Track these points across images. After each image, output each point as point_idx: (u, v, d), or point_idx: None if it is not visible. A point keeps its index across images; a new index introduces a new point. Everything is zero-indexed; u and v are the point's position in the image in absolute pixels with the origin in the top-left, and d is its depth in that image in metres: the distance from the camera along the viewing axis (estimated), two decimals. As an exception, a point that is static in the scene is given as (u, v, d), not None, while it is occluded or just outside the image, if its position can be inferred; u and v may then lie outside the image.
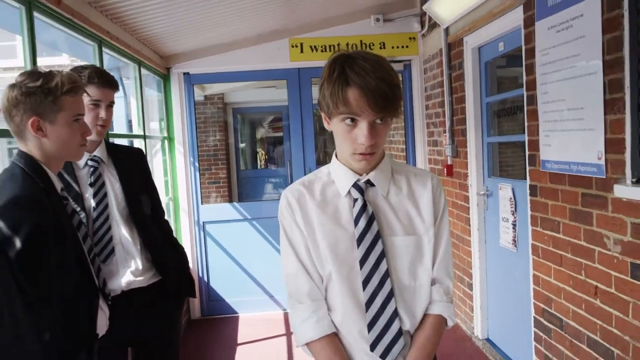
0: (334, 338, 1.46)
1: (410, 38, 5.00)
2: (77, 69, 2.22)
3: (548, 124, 2.83)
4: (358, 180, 1.46)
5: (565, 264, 2.78)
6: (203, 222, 5.10)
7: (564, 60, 2.63)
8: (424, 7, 4.41)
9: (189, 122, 5.06)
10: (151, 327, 2.26)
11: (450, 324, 1.53)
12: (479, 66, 3.95)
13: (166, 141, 4.98)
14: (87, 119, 2.15)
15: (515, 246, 3.49)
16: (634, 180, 2.20)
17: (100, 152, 2.26)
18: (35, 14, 2.41)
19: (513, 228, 3.51)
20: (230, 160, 9.41)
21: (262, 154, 11.96)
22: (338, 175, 1.50)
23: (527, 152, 3.12)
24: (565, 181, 2.71)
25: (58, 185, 1.76)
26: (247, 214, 5.13)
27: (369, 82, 1.29)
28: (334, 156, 1.53)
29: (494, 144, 3.91)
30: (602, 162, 2.38)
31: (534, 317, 3.17)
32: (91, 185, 2.20)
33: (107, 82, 2.24)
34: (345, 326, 1.46)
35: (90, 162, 2.22)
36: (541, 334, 3.10)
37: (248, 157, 11.14)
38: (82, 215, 2.12)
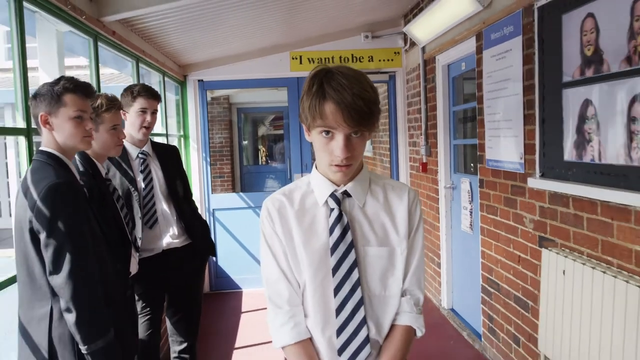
0: (308, 344, 1.51)
1: (395, 52, 5.79)
2: (131, 86, 3.01)
3: (490, 131, 3.62)
4: (335, 190, 1.51)
5: (501, 240, 3.57)
6: (213, 209, 5.90)
7: (500, 82, 3.42)
8: (404, 29, 5.21)
9: (202, 122, 5.86)
10: (183, 277, 3.06)
11: (419, 334, 1.56)
12: (447, 80, 4.74)
13: (182, 138, 5.77)
14: (137, 122, 2.95)
15: (472, 229, 4.29)
16: (540, 174, 2.99)
17: (147, 148, 3.04)
18: (99, 43, 3.20)
19: (470, 214, 4.31)
20: (234, 156, 10.16)
21: (262, 150, 12.60)
22: (317, 185, 1.54)
23: (478, 153, 3.91)
24: (501, 176, 3.51)
25: (103, 170, 2.45)
26: (251, 202, 5.93)
27: (344, 97, 1.34)
28: (313, 167, 1.57)
29: (459, 146, 4.70)
30: (522, 161, 3.17)
31: (481, 284, 3.97)
32: (141, 172, 2.99)
33: (152, 95, 3.02)
34: (317, 331, 1.51)
35: (140, 155, 3.00)
36: (485, 297, 3.90)
37: (250, 153, 11.84)
38: (136, 193, 2.90)
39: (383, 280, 1.51)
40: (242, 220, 5.88)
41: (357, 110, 1.34)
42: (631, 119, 2.21)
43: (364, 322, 1.48)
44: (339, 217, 1.49)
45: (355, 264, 1.47)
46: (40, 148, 2.04)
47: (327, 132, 1.39)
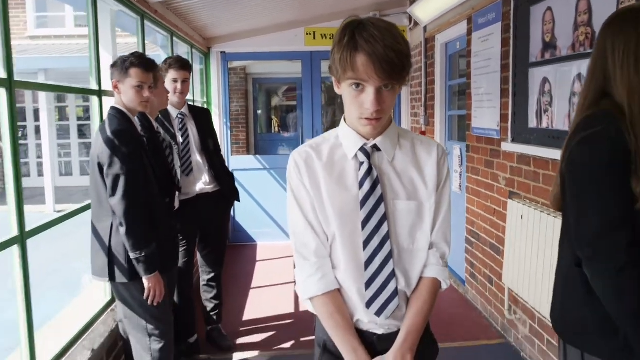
0: (337, 294, 1.50)
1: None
2: (166, 59, 3.62)
3: (476, 103, 4.20)
4: (365, 144, 1.49)
5: (481, 196, 4.19)
6: (232, 170, 6.53)
7: (484, 61, 3.99)
8: (408, 10, 5.75)
9: (223, 91, 6.47)
10: (213, 217, 3.70)
11: (444, 286, 1.57)
12: (445, 58, 5.30)
13: (205, 105, 6.39)
14: (170, 89, 3.53)
15: (460, 190, 4.90)
16: (511, 139, 3.58)
17: (184, 109, 3.66)
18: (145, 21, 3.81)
19: (459, 177, 4.91)
20: (249, 124, 10.77)
21: (275, 120, 13.16)
22: (346, 138, 1.52)
23: (466, 122, 4.50)
24: (483, 141, 4.10)
25: (155, 125, 3.07)
26: (266, 164, 6.57)
27: (377, 49, 1.30)
28: (342, 120, 1.55)
29: (453, 116, 5.28)
30: (499, 128, 3.76)
31: (465, 236, 4.60)
32: (180, 129, 3.61)
33: (182, 66, 3.60)
34: (346, 283, 1.50)
35: (179, 116, 3.62)
36: (468, 247, 4.54)
37: (264, 122, 12.44)
38: (175, 146, 3.53)
39: (412, 234, 1.51)
40: (258, 180, 6.52)
41: (388, 62, 1.31)
42: (572, 94, 2.80)
43: (392, 275, 1.48)
44: (369, 171, 1.47)
45: (384, 218, 1.47)
46: (112, 105, 2.66)
47: (358, 85, 1.37)
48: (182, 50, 5.40)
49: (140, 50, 3.79)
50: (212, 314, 3.86)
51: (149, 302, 2.53)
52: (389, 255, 1.48)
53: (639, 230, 1.41)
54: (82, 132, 12.57)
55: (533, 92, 3.25)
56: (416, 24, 5.93)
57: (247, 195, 6.56)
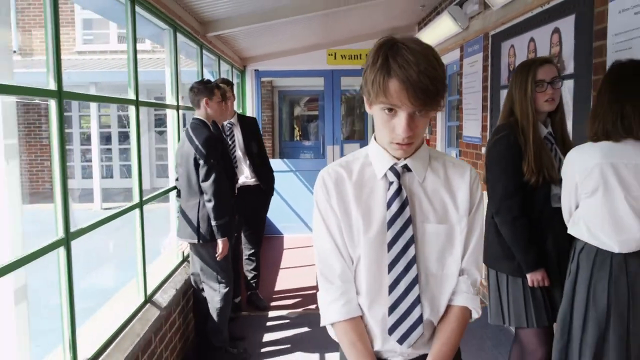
0: (359, 322, 1.45)
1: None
2: (218, 80, 4.66)
3: (465, 116, 5.18)
4: (395, 164, 1.44)
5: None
6: (262, 171, 7.60)
7: (471, 82, 4.97)
8: (415, 35, 6.76)
9: (256, 103, 7.53)
10: (253, 205, 4.72)
11: (475, 316, 1.50)
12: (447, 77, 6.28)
13: (240, 115, 7.44)
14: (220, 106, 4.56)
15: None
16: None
17: (233, 119, 4.69)
18: (204, 51, 4.86)
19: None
20: (274, 132, 11.85)
21: (297, 129, 14.18)
22: (375, 157, 1.48)
23: (458, 131, 5.48)
24: (470, 147, 5.08)
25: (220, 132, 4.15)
26: (292, 167, 7.59)
27: (410, 74, 1.26)
28: (372, 138, 1.51)
29: (451, 126, 6.25)
30: (480, 136, 4.73)
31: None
32: (227, 135, 4.64)
33: (227, 83, 4.62)
34: (369, 309, 1.45)
35: (227, 125, 4.65)
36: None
37: (287, 130, 13.50)
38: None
39: (441, 258, 1.45)
40: (284, 181, 7.53)
41: (422, 89, 1.27)
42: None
43: (417, 301, 1.42)
44: (398, 191, 1.43)
45: (412, 240, 1.42)
46: (195, 116, 3.70)
47: (390, 109, 1.33)
48: (224, 68, 6.47)
49: (199, 72, 4.85)
50: (251, 281, 4.88)
51: (219, 258, 3.55)
52: (415, 280, 1.42)
53: (527, 195, 2.41)
54: (121, 138, 13.75)
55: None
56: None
57: (275, 194, 7.57)
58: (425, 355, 1.46)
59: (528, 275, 2.41)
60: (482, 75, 4.67)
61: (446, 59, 6.10)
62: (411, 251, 1.42)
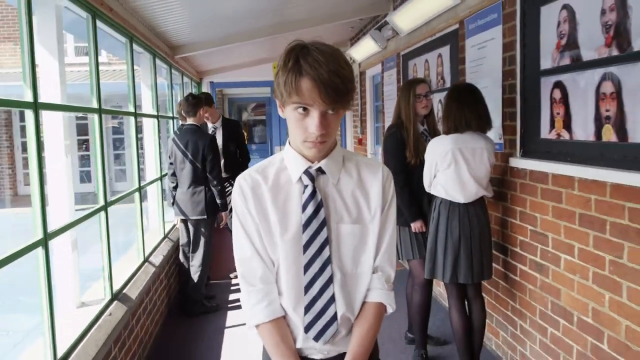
0: (282, 322, 1.49)
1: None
2: (202, 94, 5.75)
3: (387, 118, 6.43)
4: (309, 167, 1.47)
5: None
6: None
7: (389, 91, 6.22)
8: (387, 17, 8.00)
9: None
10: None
11: (389, 310, 1.55)
12: (372, 86, 7.54)
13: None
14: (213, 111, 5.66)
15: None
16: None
17: (218, 123, 5.71)
18: (172, 68, 5.94)
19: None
20: (226, 136, 12.88)
21: (245, 133, 15.24)
22: (290, 161, 1.50)
23: (382, 131, 6.71)
24: (391, 143, 6.32)
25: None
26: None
27: (321, 74, 1.30)
28: (287, 143, 1.54)
29: (378, 127, 7.51)
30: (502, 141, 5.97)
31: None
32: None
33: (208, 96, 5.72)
34: (289, 309, 1.49)
35: (212, 127, 5.70)
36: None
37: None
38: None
39: (355, 257, 1.50)
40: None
41: (333, 88, 1.31)
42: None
43: (332, 299, 1.47)
44: (313, 194, 1.46)
45: (326, 242, 1.46)
46: (190, 122, 4.75)
47: (304, 109, 1.36)
48: (185, 81, 7.54)
49: (169, 85, 5.91)
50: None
51: (221, 226, 4.71)
52: (330, 280, 1.46)
53: (409, 171, 3.62)
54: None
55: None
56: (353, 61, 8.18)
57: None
58: (345, 353, 1.51)
59: (412, 224, 3.62)
60: (396, 86, 5.93)
61: (372, 72, 7.37)
62: (326, 252, 1.46)
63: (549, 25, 2.84)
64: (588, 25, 2.52)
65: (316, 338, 1.48)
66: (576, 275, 2.71)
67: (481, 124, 3.23)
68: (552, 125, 2.86)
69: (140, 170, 4.47)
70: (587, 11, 2.52)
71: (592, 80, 2.50)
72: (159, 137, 5.45)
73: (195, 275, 4.71)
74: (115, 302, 3.36)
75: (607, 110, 2.41)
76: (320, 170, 1.48)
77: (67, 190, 3.14)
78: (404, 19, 5.05)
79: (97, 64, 3.44)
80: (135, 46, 4.33)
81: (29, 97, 2.39)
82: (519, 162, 3.23)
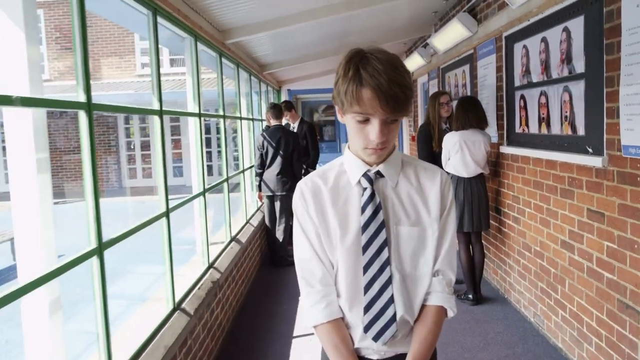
0: (340, 323, 1.52)
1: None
2: (283, 102, 7.45)
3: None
4: (368, 170, 1.51)
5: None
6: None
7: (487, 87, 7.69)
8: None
9: (289, 113, 10.34)
10: (281, 189, 7.39)
11: (450, 314, 1.56)
12: (422, 92, 9.00)
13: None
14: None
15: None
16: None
17: (296, 123, 7.40)
18: (254, 77, 7.68)
19: (429, 160, 8.62)
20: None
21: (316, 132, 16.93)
22: (350, 165, 1.54)
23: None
24: (434, 138, 7.79)
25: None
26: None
27: (381, 83, 1.32)
28: (346, 148, 1.57)
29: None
30: (496, 135, 7.44)
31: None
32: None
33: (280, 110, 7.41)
34: (349, 310, 1.52)
35: (293, 127, 7.38)
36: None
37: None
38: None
39: (414, 259, 1.52)
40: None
41: (393, 96, 1.33)
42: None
43: (391, 300, 1.49)
44: (372, 197, 1.49)
45: (385, 243, 1.48)
46: (277, 123, 6.45)
47: (364, 118, 1.39)
48: (268, 89, 9.29)
49: (259, 94, 7.63)
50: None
51: None
52: (389, 281, 1.49)
53: (435, 157, 5.14)
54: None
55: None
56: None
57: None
58: (401, 355, 1.54)
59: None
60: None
61: (421, 80, 8.85)
62: (385, 253, 1.48)
63: (517, 57, 4.28)
64: (533, 59, 3.96)
65: (375, 338, 1.50)
66: (532, 221, 4.15)
67: (479, 123, 4.70)
68: (520, 123, 4.31)
69: (227, 164, 6.21)
70: (533, 51, 3.96)
71: (536, 94, 3.94)
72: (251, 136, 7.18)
73: (280, 236, 6.39)
74: (210, 271, 4.18)
75: (542, 113, 3.85)
76: (378, 174, 1.51)
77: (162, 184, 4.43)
78: (440, 42, 6.51)
79: (158, 67, 3.38)
80: (230, 63, 6.06)
81: (156, 106, 3.10)
82: (505, 149, 4.67)
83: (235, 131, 8.78)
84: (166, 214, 3.24)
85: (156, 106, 3.24)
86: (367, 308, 1.50)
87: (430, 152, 5.14)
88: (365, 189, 1.51)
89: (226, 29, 4.99)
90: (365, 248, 1.49)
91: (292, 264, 6.31)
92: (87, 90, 2.26)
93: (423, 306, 1.55)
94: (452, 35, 5.89)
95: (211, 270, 4.20)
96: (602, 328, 3.12)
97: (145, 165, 16.39)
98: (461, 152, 4.72)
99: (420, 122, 9.05)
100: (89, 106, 2.27)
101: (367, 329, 1.51)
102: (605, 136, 2.97)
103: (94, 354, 2.41)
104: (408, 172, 1.56)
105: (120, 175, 16.61)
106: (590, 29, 3.10)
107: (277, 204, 6.46)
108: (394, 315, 1.50)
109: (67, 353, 2.25)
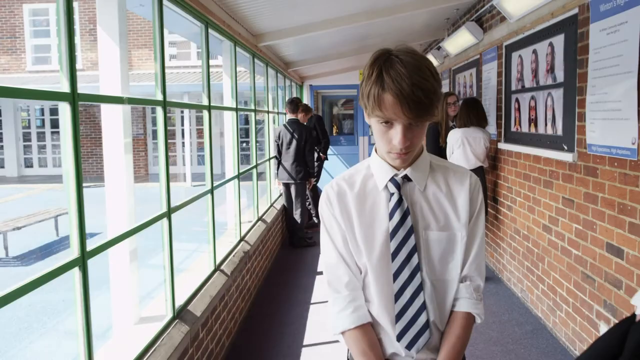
0: (369, 329, 1.49)
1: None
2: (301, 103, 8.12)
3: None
4: (395, 175, 1.47)
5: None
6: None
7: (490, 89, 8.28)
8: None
9: (311, 103, 10.99)
10: (296, 177, 8.07)
11: (478, 321, 1.54)
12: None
13: (299, 115, 10.90)
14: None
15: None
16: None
17: (308, 122, 8.10)
18: (279, 75, 8.34)
19: (440, 154, 9.23)
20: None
21: (335, 126, 17.59)
22: (376, 169, 1.51)
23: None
24: (445, 134, 8.39)
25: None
26: (335, 151, 11.00)
27: (403, 88, 1.28)
28: (373, 150, 1.55)
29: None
30: (496, 132, 8.04)
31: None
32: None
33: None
34: (379, 317, 1.49)
35: (307, 123, 8.07)
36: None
37: (327, 126, 16.93)
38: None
39: (443, 264, 1.49)
40: (331, 161, 10.96)
41: (416, 102, 1.29)
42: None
43: (423, 307, 1.46)
44: (399, 202, 1.46)
45: (415, 249, 1.45)
46: (293, 117, 7.12)
47: (387, 122, 1.36)
48: (292, 83, 9.93)
49: (281, 90, 8.29)
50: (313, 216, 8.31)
51: (309, 187, 7.06)
52: (420, 287, 1.46)
53: (442, 152, 5.76)
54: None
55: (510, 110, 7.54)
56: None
57: (324, 171, 11.03)
58: None
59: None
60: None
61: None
62: (414, 260, 1.45)
63: (514, 65, 4.88)
64: (526, 67, 4.56)
65: (409, 346, 1.47)
66: (521, 208, 4.76)
67: (480, 122, 5.31)
68: (515, 123, 4.91)
69: (256, 152, 6.89)
70: (526, 60, 4.55)
71: (527, 98, 4.54)
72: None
73: (298, 218, 7.07)
74: (242, 243, 5.01)
75: (532, 115, 4.45)
76: (406, 178, 1.48)
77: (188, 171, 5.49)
78: (451, 46, 7.10)
79: (208, 66, 4.43)
80: (261, 62, 6.72)
81: (159, 97, 3.00)
82: (502, 145, 5.27)
83: (259, 122, 9.50)
84: (167, 214, 3.09)
85: (159, 97, 3.05)
86: (399, 316, 1.47)
87: (437, 147, 5.75)
88: (392, 194, 1.48)
89: (259, 33, 5.65)
90: (394, 255, 1.46)
91: (310, 245, 7.06)
92: (72, 80, 2.04)
93: (451, 312, 1.52)
94: (461, 41, 6.48)
95: (242, 242, 4.88)
96: (570, 296, 3.74)
97: (171, 153, 17.16)
98: (463, 147, 5.32)
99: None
100: (73, 97, 2.04)
101: (400, 337, 1.47)
102: (576, 136, 3.58)
103: (162, 293, 3.13)
104: (437, 176, 1.52)
105: (147, 162, 17.43)
106: (568, 46, 3.70)
107: (293, 190, 7.13)
108: (427, 322, 1.47)
109: (141, 290, 3.00)
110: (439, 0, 5.67)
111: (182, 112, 16.10)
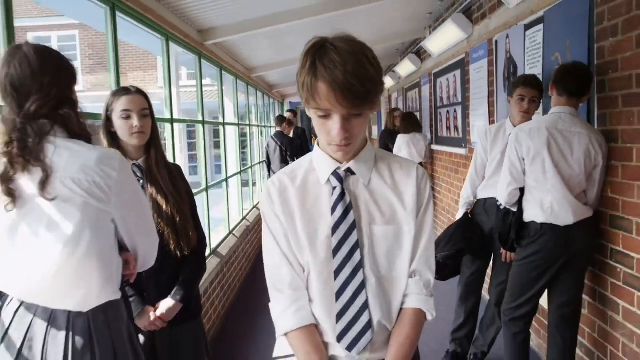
0: (313, 330, 1.43)
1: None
2: (287, 111, 9.92)
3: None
4: (338, 168, 1.43)
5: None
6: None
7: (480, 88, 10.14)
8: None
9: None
10: None
11: (429, 317, 1.47)
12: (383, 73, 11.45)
13: (281, 128, 12.71)
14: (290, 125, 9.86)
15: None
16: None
17: (291, 130, 9.92)
18: (246, 84, 10.16)
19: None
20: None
21: (313, 137, 19.46)
22: (319, 163, 1.46)
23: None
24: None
25: None
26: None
27: (336, 76, 1.23)
28: (316, 144, 1.49)
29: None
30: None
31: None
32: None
33: (293, 111, 9.91)
34: (320, 317, 1.44)
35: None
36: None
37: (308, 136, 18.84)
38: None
39: (390, 260, 1.44)
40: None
41: (351, 91, 1.23)
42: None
43: (365, 306, 1.40)
44: (341, 196, 1.41)
45: (357, 246, 1.40)
46: (279, 130, 8.91)
47: (324, 113, 1.30)
48: (272, 101, 11.74)
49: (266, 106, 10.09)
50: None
51: None
52: (362, 285, 1.40)
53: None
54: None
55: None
56: (399, 77, 12.10)
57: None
58: None
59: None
60: (429, 99, 9.81)
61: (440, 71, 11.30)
62: (357, 256, 1.40)
63: (440, 88, 6.73)
64: (444, 90, 6.41)
65: (349, 347, 1.41)
66: (446, 192, 6.59)
67: (415, 129, 7.13)
68: (440, 129, 6.75)
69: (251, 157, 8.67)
70: (445, 84, 6.40)
71: (445, 112, 6.39)
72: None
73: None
74: (244, 220, 7.38)
75: (448, 124, 6.31)
76: (349, 171, 1.43)
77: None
78: (434, 45, 6.43)
79: (201, 86, 7.51)
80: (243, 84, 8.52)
81: (168, 115, 3.62)
82: (433, 146, 7.12)
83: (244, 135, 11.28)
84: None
85: (200, 117, 5.51)
86: (339, 315, 1.41)
87: (387, 148, 7.57)
88: (334, 188, 1.42)
89: (205, 29, 5.01)
90: (336, 251, 1.40)
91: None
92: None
93: (400, 309, 1.46)
94: (447, 37, 5.78)
95: (244, 220, 6.69)
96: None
97: (191, 164, 18.90)
98: (408, 148, 7.14)
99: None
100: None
101: (340, 337, 1.41)
102: (467, 137, 5.43)
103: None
104: (382, 168, 1.47)
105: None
106: (461, 78, 5.57)
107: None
108: (369, 321, 1.41)
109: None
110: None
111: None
